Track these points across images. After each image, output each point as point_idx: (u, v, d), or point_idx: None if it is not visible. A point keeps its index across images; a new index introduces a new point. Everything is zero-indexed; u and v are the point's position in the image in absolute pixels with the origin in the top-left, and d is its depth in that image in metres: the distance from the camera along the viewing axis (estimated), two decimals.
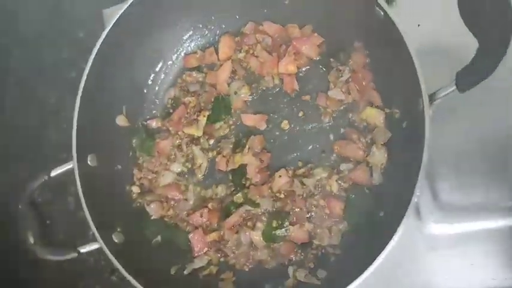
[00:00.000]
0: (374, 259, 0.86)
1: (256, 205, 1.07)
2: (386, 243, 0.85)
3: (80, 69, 1.61)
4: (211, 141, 1.15)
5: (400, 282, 1.08)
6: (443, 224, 1.07)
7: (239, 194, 1.09)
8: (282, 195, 1.08)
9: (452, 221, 1.06)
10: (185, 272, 1.08)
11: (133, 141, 1.17)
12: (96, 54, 1.05)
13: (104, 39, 1.05)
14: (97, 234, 1.01)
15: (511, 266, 1.03)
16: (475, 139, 1.07)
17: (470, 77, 0.79)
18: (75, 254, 1.03)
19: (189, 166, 1.16)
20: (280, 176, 1.07)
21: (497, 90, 1.03)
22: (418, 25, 1.13)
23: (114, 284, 1.43)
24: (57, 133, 1.58)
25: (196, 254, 1.10)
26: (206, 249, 1.10)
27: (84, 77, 1.06)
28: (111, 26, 1.05)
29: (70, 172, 1.05)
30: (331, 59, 1.10)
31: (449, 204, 1.06)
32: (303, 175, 1.07)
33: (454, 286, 1.05)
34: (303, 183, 1.06)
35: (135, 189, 1.15)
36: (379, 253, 0.85)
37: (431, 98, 0.85)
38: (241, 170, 1.11)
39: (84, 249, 1.04)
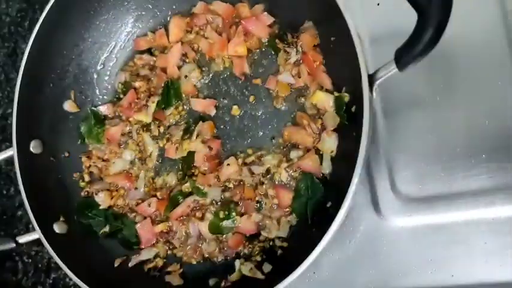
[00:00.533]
0: (312, 249, 0.80)
1: (203, 194, 1.02)
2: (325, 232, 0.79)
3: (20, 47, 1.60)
4: (162, 128, 1.10)
5: (360, 276, 1.01)
6: (402, 216, 0.99)
7: (187, 184, 1.03)
8: (231, 185, 1.02)
9: (411, 213, 0.98)
10: (130, 265, 1.04)
11: (82, 128, 1.12)
12: (37, 33, 1.01)
13: (45, 15, 1.01)
14: (35, 223, 0.97)
15: (470, 261, 0.95)
16: (437, 125, 0.99)
17: (409, 52, 0.71)
18: (12, 244, 0.99)
19: (140, 154, 1.11)
20: (228, 164, 1.01)
21: (460, 75, 0.95)
22: (378, 4, 1.05)
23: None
24: None
25: (143, 246, 1.06)
26: (154, 240, 1.06)
27: (25, 57, 1.01)
28: (50, 5, 1.00)
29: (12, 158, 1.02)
30: (278, 40, 1.03)
31: (408, 196, 0.99)
32: (252, 163, 1.01)
33: (412, 282, 0.97)
34: (251, 172, 1.00)
35: (85, 178, 1.11)
36: (318, 242, 0.80)
37: (372, 78, 0.78)
38: (190, 157, 1.05)
39: (22, 240, 1.00)
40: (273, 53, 1.05)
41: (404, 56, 0.72)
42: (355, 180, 0.77)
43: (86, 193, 1.10)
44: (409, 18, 1.01)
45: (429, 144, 0.99)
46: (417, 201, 0.98)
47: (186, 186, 1.04)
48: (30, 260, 1.29)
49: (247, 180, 1.00)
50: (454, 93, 0.99)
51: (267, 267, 0.94)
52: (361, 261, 1.01)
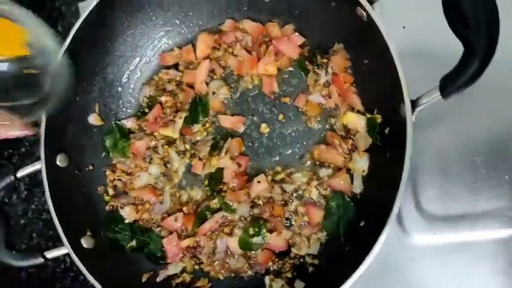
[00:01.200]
0: (354, 271, 0.81)
1: (232, 211, 1.02)
2: (366, 254, 0.81)
3: None
4: (188, 144, 1.10)
5: None
6: (426, 234, 1.02)
7: (215, 200, 1.04)
8: (260, 202, 1.03)
9: (435, 231, 1.02)
10: (157, 280, 1.04)
11: (107, 141, 1.12)
12: (66, 48, 1.00)
13: (75, 33, 1.00)
14: (64, 240, 0.96)
15: (493, 277, 0.98)
16: (461, 147, 1.02)
17: (454, 83, 0.73)
18: (41, 260, 0.98)
19: (165, 168, 1.11)
20: (259, 181, 1.02)
21: (483, 95, 0.98)
22: (403, 27, 1.08)
23: (90, 286, 1.40)
24: None
25: (170, 260, 1.06)
26: (181, 255, 1.06)
27: None
28: (83, 18, 1.00)
29: (38, 172, 1.00)
30: (308, 62, 1.05)
31: (433, 214, 1.02)
32: (282, 181, 1.03)
33: None
34: (283, 189, 1.01)
35: (109, 191, 1.10)
36: (359, 265, 0.81)
37: (414, 104, 0.80)
38: (218, 174, 1.06)
39: (51, 255, 0.99)
40: (301, 73, 1.07)
41: (450, 85, 0.75)
42: (398, 203, 0.79)
43: (110, 207, 1.09)
44: (433, 41, 1.05)
45: (453, 164, 1.02)
46: (441, 220, 1.02)
47: (214, 202, 1.04)
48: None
49: (278, 198, 1.02)
50: (477, 115, 1.02)
51: (300, 285, 0.96)
52: (385, 278, 1.04)
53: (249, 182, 1.04)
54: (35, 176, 1.05)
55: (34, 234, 1.31)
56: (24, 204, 1.29)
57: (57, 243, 1.39)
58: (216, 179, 1.06)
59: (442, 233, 1.02)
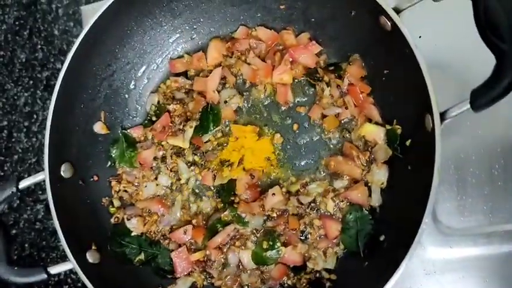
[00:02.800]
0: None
1: (244, 223, 0.99)
2: (391, 273, 0.78)
3: (53, 69, 1.53)
4: (197, 155, 1.06)
5: None
6: (442, 247, 1.01)
7: (227, 212, 1.00)
8: (274, 214, 1.00)
9: (452, 244, 1.01)
10: None
11: (113, 151, 1.07)
12: (73, 54, 0.95)
13: (82, 38, 0.96)
14: (70, 255, 0.91)
15: None
16: (478, 159, 1.01)
17: (487, 95, 0.72)
18: (44, 276, 0.93)
19: (174, 179, 1.07)
20: (273, 193, 0.98)
21: (502, 109, 0.96)
22: (420, 36, 1.06)
23: None
24: (27, 136, 1.50)
25: (179, 275, 1.01)
26: (190, 269, 1.02)
27: (60, 79, 0.95)
28: (90, 24, 0.95)
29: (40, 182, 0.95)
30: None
31: (450, 228, 1.01)
32: (298, 192, 1.00)
33: None
34: (300, 202, 0.98)
35: (115, 203, 1.06)
36: (383, 283, 0.78)
37: (442, 117, 0.78)
38: (230, 185, 1.03)
39: (54, 271, 0.93)
40: (317, 82, 1.04)
41: (481, 98, 0.73)
42: (426, 220, 0.77)
43: (116, 219, 1.04)
44: (450, 52, 1.05)
45: (470, 176, 1.01)
46: (458, 233, 1.00)
47: (226, 215, 1.01)
48: None
49: (293, 210, 0.99)
50: (495, 127, 1.01)
51: None
52: None
53: (262, 194, 1.01)
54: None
55: (26, 245, 1.26)
56: (15, 213, 1.24)
57: (51, 253, 1.35)
58: (227, 190, 1.03)
59: (459, 247, 1.01)
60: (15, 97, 1.53)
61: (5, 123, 1.52)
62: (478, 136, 1.02)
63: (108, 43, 1.03)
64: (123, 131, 1.09)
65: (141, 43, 1.08)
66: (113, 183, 1.07)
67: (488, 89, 0.72)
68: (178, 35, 1.11)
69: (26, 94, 1.53)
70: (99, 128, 1.06)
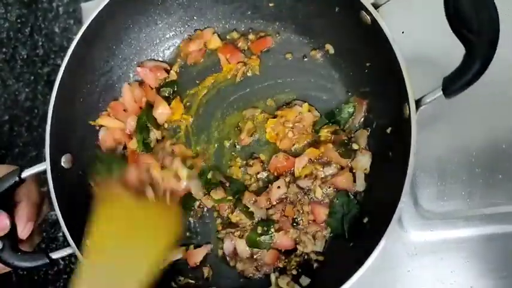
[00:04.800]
0: (359, 266, 0.82)
1: (252, 217, 1.03)
2: (371, 250, 0.82)
3: (53, 65, 1.57)
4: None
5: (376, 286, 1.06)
6: (423, 231, 1.05)
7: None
8: (274, 202, 1.04)
9: (433, 228, 1.05)
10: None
11: None
12: (73, 49, 0.99)
13: (82, 34, 0.99)
14: (70, 240, 0.95)
15: (489, 273, 1.02)
16: (457, 147, 1.06)
17: (457, 82, 0.76)
18: (46, 261, 0.97)
19: None
20: (278, 186, 1.02)
21: (481, 97, 1.01)
22: (402, 32, 1.11)
23: None
24: (28, 130, 1.54)
25: None
26: None
27: (60, 74, 0.99)
28: (90, 21, 0.99)
29: (41, 173, 0.99)
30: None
31: (430, 212, 1.05)
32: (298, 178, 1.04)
33: None
34: (300, 187, 1.02)
35: None
36: (364, 261, 0.82)
37: (417, 103, 0.83)
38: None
39: (56, 255, 0.98)
40: None
41: (452, 85, 0.77)
42: (402, 199, 0.81)
43: None
44: (431, 46, 1.09)
45: (450, 164, 1.05)
46: (439, 217, 1.05)
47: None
48: None
49: (293, 197, 1.03)
50: (472, 118, 1.06)
51: (305, 281, 0.97)
52: (384, 272, 1.06)
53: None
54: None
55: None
56: None
57: (50, 244, 1.39)
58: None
59: (439, 230, 1.05)
60: (17, 92, 1.57)
61: (7, 117, 1.56)
62: (457, 127, 1.07)
63: (106, 39, 1.07)
64: None
65: (137, 40, 1.12)
66: None
67: (459, 76, 0.76)
68: (173, 32, 1.15)
69: (27, 90, 1.57)
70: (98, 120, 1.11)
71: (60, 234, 1.46)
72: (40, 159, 1.49)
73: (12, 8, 1.65)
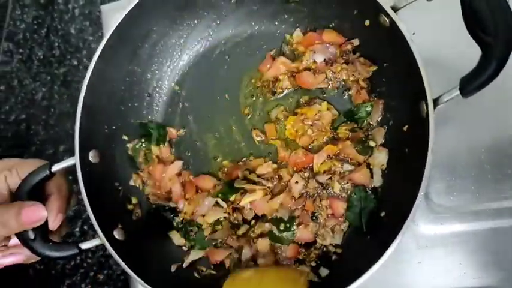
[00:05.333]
0: (377, 259, 0.86)
1: (281, 229, 1.05)
2: (388, 244, 0.86)
3: (69, 65, 1.60)
4: None
5: (390, 280, 1.10)
6: (434, 224, 1.09)
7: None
8: (297, 196, 1.07)
9: (442, 221, 1.09)
10: (184, 266, 1.08)
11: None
12: (103, 46, 1.03)
13: (113, 31, 1.03)
14: (99, 232, 0.98)
15: (497, 264, 1.06)
16: (468, 144, 1.10)
17: (474, 82, 0.80)
18: (76, 251, 1.00)
19: None
20: (296, 182, 1.06)
21: (491, 94, 1.05)
22: (413, 33, 1.15)
23: (100, 282, 1.41)
24: (44, 129, 1.56)
25: None
26: None
27: (89, 73, 1.02)
28: (121, 18, 1.02)
29: (70, 168, 1.02)
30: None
31: (440, 206, 1.09)
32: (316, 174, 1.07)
33: (443, 284, 1.08)
34: (319, 182, 1.06)
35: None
36: (382, 254, 0.86)
37: (435, 103, 0.87)
38: None
39: (85, 246, 1.00)
40: None
41: (469, 85, 0.81)
42: (418, 200, 0.84)
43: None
44: (443, 47, 1.13)
45: (461, 160, 1.10)
46: (449, 211, 1.09)
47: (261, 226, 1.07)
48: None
49: (312, 192, 1.06)
50: (483, 116, 1.11)
51: (324, 272, 1.01)
52: (395, 264, 1.10)
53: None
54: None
55: None
56: None
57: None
58: None
59: (449, 224, 1.09)
60: (33, 92, 1.59)
61: (24, 116, 1.58)
62: (467, 124, 1.11)
63: (132, 39, 1.10)
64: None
65: (163, 40, 1.17)
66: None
67: (476, 76, 0.80)
68: (197, 33, 1.20)
69: (43, 89, 1.59)
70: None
71: (77, 229, 1.47)
72: (57, 156, 1.51)
73: (28, 10, 1.67)
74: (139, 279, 0.96)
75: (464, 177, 1.09)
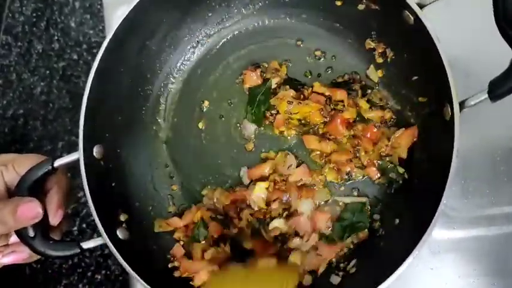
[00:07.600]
0: (393, 270, 0.82)
1: None
2: (409, 252, 0.81)
3: (69, 59, 1.52)
4: None
5: (399, 284, 1.04)
6: (447, 229, 1.04)
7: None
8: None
9: (455, 226, 1.04)
10: None
11: None
12: (110, 39, 0.95)
13: (120, 24, 0.96)
14: (102, 231, 0.91)
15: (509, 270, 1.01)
16: (482, 146, 1.06)
17: (504, 86, 0.75)
18: (77, 250, 0.92)
19: None
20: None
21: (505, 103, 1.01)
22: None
23: (98, 283, 1.34)
24: (42, 124, 1.48)
25: None
26: None
27: (93, 71, 0.94)
28: (129, 10, 0.95)
29: (73, 163, 0.95)
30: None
31: (454, 210, 1.04)
32: None
33: None
34: None
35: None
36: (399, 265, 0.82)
37: (460, 106, 0.81)
38: None
39: (87, 245, 0.93)
40: None
41: (499, 89, 0.76)
42: (441, 207, 0.80)
43: None
44: (467, 47, 1.07)
45: (475, 162, 1.05)
46: (462, 215, 1.04)
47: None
48: None
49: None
50: (499, 117, 1.05)
51: (335, 279, 0.95)
52: (406, 271, 1.03)
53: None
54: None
55: None
56: None
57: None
58: None
59: (462, 228, 1.04)
60: (32, 86, 1.51)
61: (21, 111, 1.50)
62: (482, 126, 1.06)
63: (140, 33, 1.03)
64: None
65: (171, 33, 1.10)
66: None
67: (506, 80, 0.75)
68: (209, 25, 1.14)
69: (42, 84, 1.51)
70: None
71: (75, 228, 1.40)
72: (55, 152, 1.44)
73: (28, 2, 1.60)
74: (143, 281, 0.89)
75: (478, 179, 1.04)
